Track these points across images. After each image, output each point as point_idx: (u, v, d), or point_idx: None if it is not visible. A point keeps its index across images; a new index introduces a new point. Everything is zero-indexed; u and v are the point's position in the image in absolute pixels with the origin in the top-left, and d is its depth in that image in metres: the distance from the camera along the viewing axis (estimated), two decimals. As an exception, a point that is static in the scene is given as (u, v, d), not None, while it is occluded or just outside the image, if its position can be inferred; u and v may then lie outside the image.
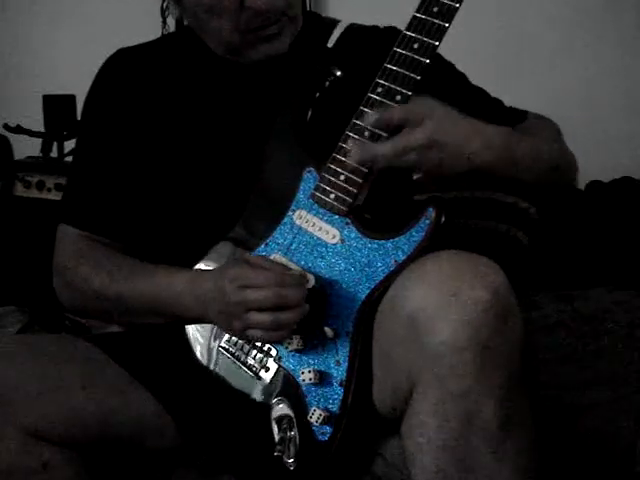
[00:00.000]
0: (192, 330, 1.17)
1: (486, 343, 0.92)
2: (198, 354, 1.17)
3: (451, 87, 1.25)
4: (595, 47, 2.14)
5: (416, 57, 1.05)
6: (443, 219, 1.02)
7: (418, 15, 1.05)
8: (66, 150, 2.11)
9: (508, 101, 2.02)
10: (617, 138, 2.11)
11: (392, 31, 1.27)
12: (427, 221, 1.02)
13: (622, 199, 1.87)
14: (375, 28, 1.31)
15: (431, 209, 1.02)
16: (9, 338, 1.40)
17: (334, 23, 1.29)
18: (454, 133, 1.05)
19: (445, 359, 0.92)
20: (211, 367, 1.15)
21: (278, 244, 1.13)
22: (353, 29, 1.28)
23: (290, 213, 1.13)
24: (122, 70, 1.27)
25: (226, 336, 1.14)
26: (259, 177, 1.18)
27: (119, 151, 1.25)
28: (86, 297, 1.22)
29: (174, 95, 1.25)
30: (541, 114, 1.32)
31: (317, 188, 1.10)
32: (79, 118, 2.03)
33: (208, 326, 1.15)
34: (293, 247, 1.11)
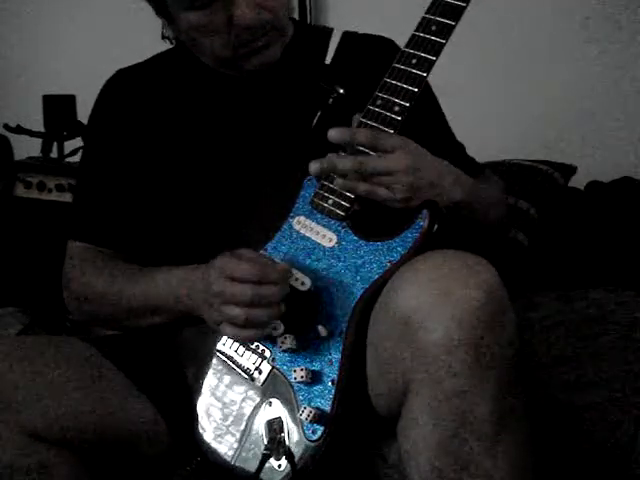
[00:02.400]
0: (188, 334, 1.19)
1: (479, 342, 0.92)
2: (193, 358, 1.17)
3: (428, 122, 1.29)
4: (595, 47, 2.13)
5: (414, 71, 1.10)
6: (437, 221, 1.05)
7: (417, 34, 1.11)
8: (66, 150, 2.11)
9: (508, 101, 2.03)
10: (617, 138, 2.11)
11: (386, 42, 1.34)
12: (421, 223, 1.05)
13: (622, 199, 1.87)
14: (368, 37, 1.35)
15: (425, 211, 1.05)
16: (8, 339, 1.41)
17: (328, 32, 1.33)
18: (429, 166, 1.10)
19: (439, 358, 0.93)
20: (206, 371, 1.15)
21: (277, 249, 1.15)
22: (348, 38, 1.32)
23: (290, 220, 1.16)
24: (122, 90, 1.32)
25: (222, 339, 1.15)
26: (260, 186, 1.21)
27: (122, 167, 1.29)
28: (91, 302, 1.26)
29: (174, 111, 1.29)
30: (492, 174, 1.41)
31: (316, 195, 1.14)
32: (81, 120, 2.05)
33: (204, 329, 1.16)
34: (291, 252, 1.14)
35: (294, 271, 1.11)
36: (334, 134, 1.09)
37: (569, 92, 2.14)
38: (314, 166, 1.10)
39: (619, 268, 1.77)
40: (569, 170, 1.92)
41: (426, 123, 1.26)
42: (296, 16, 2.31)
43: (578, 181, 1.93)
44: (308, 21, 2.26)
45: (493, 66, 2.16)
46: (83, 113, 2.05)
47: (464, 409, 0.93)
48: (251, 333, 1.06)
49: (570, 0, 2.14)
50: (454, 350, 0.92)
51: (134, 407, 1.12)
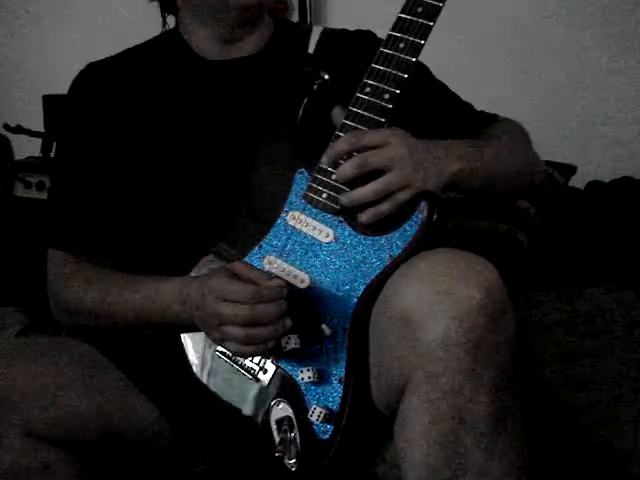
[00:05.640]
0: (188, 336, 1.17)
1: (478, 341, 0.92)
2: (195, 359, 1.16)
3: (423, 91, 1.27)
4: (596, 46, 2.14)
5: (402, 56, 1.06)
6: (436, 212, 1.03)
7: (403, 16, 1.07)
8: (66, 150, 2.10)
9: (508, 100, 2.03)
10: (617, 138, 2.12)
11: (365, 34, 1.31)
12: (420, 215, 1.03)
13: (622, 199, 1.87)
14: (347, 32, 1.33)
15: (424, 203, 1.03)
16: (10, 340, 1.41)
17: (308, 28, 1.32)
18: (420, 146, 1.08)
19: (437, 356, 0.93)
20: (209, 372, 1.15)
21: (272, 246, 1.13)
22: (329, 33, 1.31)
23: (283, 215, 1.13)
24: (93, 84, 1.28)
25: None
26: (250, 181, 1.18)
27: (99, 167, 1.25)
28: (80, 317, 1.23)
29: (151, 103, 1.25)
30: (511, 118, 1.34)
31: (309, 188, 1.11)
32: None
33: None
34: (287, 248, 1.11)
35: (291, 268, 1.10)
36: (324, 161, 1.08)
37: (569, 92, 2.14)
38: (324, 160, 1.09)
39: (619, 267, 1.77)
40: (569, 170, 1.92)
41: (421, 91, 1.24)
42: (296, 16, 2.32)
43: (578, 181, 1.93)
44: (308, 21, 2.27)
45: (492, 65, 2.16)
46: (83, 113, 2.05)
47: (461, 407, 0.93)
48: (252, 349, 1.05)
49: (571, 0, 2.14)
50: (452, 348, 0.92)
51: (136, 407, 1.12)
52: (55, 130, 1.32)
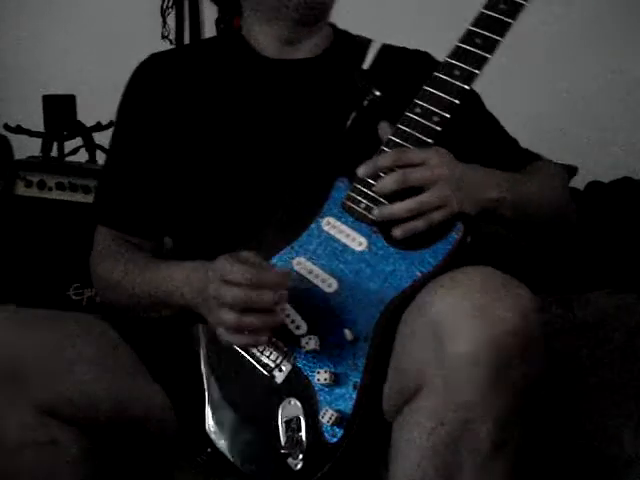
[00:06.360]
0: (206, 326, 1.17)
1: (503, 365, 0.92)
2: (212, 351, 1.16)
3: (472, 120, 1.28)
4: (596, 46, 2.14)
5: (456, 83, 1.09)
6: (471, 234, 1.05)
7: (462, 45, 1.10)
8: (66, 150, 2.11)
9: (508, 100, 2.03)
10: (617, 138, 2.11)
11: (423, 55, 1.35)
12: (455, 236, 1.05)
13: (622, 200, 1.87)
14: (406, 50, 1.36)
15: (460, 225, 1.05)
16: (27, 311, 1.41)
17: (367, 41, 1.33)
18: (462, 170, 1.10)
19: (461, 369, 0.93)
20: (225, 364, 1.15)
21: (303, 248, 1.14)
22: (387, 49, 1.32)
23: (319, 219, 1.15)
24: (153, 73, 1.31)
25: None
26: (292, 183, 1.20)
27: (151, 153, 1.28)
28: (108, 291, 1.28)
29: (205, 97, 1.28)
30: (553, 160, 1.39)
31: (348, 197, 1.13)
32: (81, 120, 2.05)
33: None
34: (319, 252, 1.13)
35: (320, 272, 1.11)
36: (362, 171, 1.10)
37: (569, 92, 2.15)
38: (363, 170, 1.10)
39: (619, 269, 1.77)
40: (569, 170, 1.92)
41: (470, 119, 1.26)
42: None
43: (578, 181, 1.93)
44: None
45: (492, 65, 2.16)
46: (83, 113, 2.06)
47: (468, 422, 0.94)
48: (243, 339, 1.05)
49: (571, 1, 2.14)
50: (477, 367, 0.92)
51: (145, 390, 1.13)
52: (117, 117, 1.35)
